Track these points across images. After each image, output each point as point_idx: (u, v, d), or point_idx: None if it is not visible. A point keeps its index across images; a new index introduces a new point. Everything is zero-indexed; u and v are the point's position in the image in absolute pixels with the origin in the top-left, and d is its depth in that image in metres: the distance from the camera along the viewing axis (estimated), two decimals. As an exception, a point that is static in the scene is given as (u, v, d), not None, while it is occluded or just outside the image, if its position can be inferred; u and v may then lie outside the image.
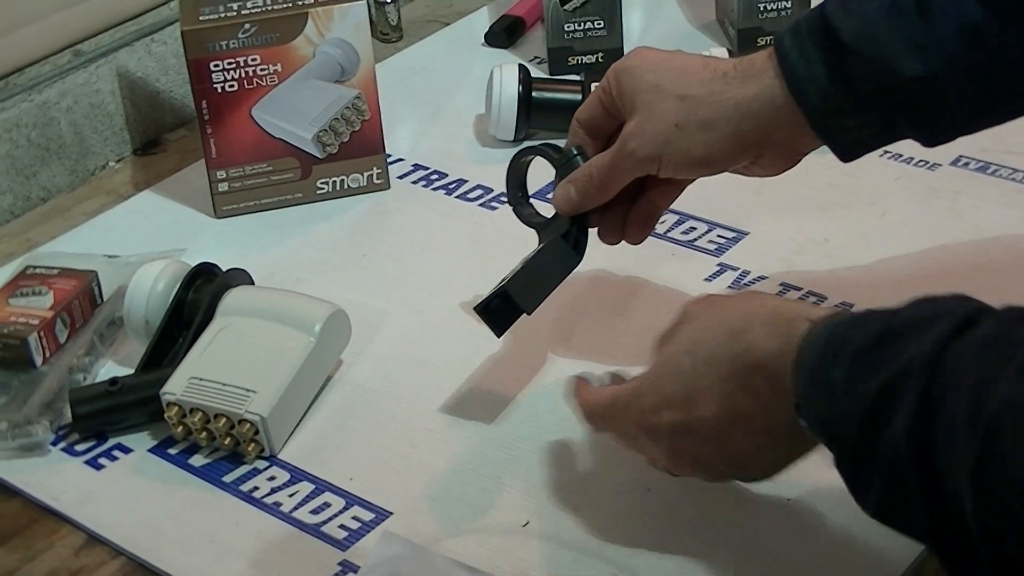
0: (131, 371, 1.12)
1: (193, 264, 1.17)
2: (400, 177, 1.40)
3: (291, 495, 1.03)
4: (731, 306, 0.93)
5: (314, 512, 1.01)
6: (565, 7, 1.51)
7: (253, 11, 1.29)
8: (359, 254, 1.29)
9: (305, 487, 1.04)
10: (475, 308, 1.03)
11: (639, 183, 1.05)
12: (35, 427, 1.09)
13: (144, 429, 1.10)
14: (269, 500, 1.03)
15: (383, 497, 1.02)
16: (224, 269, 1.17)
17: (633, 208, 1.08)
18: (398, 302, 1.22)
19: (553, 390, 1.10)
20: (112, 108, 1.47)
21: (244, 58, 1.29)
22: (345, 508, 1.01)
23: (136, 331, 1.15)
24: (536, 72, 1.49)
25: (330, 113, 1.33)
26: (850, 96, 0.96)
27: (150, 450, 1.08)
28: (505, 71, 1.41)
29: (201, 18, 1.29)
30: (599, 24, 1.52)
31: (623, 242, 1.09)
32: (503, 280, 1.04)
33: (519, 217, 1.12)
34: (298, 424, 1.09)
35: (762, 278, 1.20)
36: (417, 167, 1.41)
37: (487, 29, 1.64)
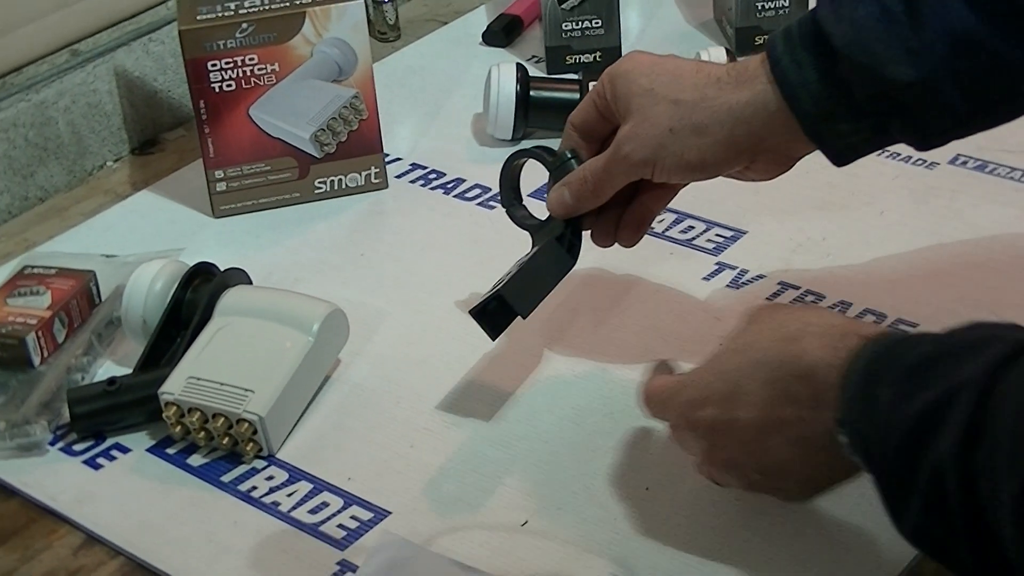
0: (129, 371, 1.12)
1: (191, 264, 1.17)
2: (398, 176, 1.40)
3: (289, 495, 1.03)
4: (789, 315, 0.93)
5: (312, 512, 1.01)
6: (563, 6, 1.51)
7: (251, 11, 1.29)
8: (357, 253, 1.29)
9: (303, 487, 1.04)
10: (470, 311, 1.03)
11: (633, 187, 1.06)
12: (33, 427, 1.08)
13: (142, 429, 1.10)
14: (267, 500, 1.03)
15: (382, 497, 1.02)
16: (222, 269, 1.17)
17: (627, 211, 1.08)
18: (396, 301, 1.22)
19: (551, 389, 1.10)
20: (110, 108, 1.47)
21: (242, 58, 1.29)
22: (343, 508, 1.01)
23: (134, 331, 1.15)
24: (534, 71, 1.49)
25: (328, 113, 1.33)
26: (842, 101, 0.96)
27: (148, 450, 1.08)
28: (503, 70, 1.41)
29: (199, 18, 1.29)
30: (597, 23, 1.52)
31: (617, 244, 1.09)
32: (497, 283, 1.04)
33: (513, 219, 1.12)
34: (296, 424, 1.09)
35: (760, 277, 1.20)
36: (415, 166, 1.41)
37: (485, 28, 1.64)
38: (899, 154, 1.32)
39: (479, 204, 1.34)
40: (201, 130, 1.32)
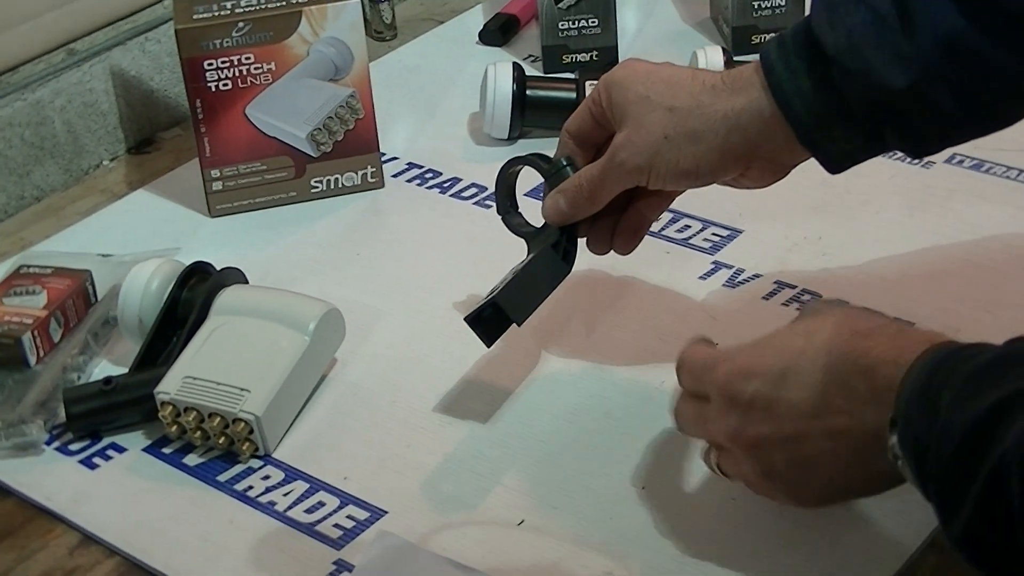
0: (125, 370, 1.12)
1: (187, 263, 1.17)
2: (394, 176, 1.40)
3: (286, 494, 1.03)
4: (860, 313, 0.92)
5: (309, 511, 1.01)
6: (559, 5, 1.51)
7: (247, 10, 1.29)
8: (353, 253, 1.29)
9: (300, 486, 1.04)
10: (465, 319, 1.03)
11: (628, 194, 1.06)
12: (29, 427, 1.08)
13: (138, 428, 1.10)
14: (264, 499, 1.03)
15: (378, 496, 1.02)
16: (218, 268, 1.17)
17: (622, 219, 1.08)
18: (392, 301, 1.22)
19: (547, 388, 1.10)
20: (106, 107, 1.47)
21: (238, 57, 1.29)
22: (340, 507, 1.01)
23: (130, 330, 1.15)
24: (530, 70, 1.49)
25: (324, 112, 1.33)
26: (836, 108, 0.96)
27: (144, 449, 1.08)
28: (499, 69, 1.41)
29: (195, 17, 1.29)
30: (593, 22, 1.52)
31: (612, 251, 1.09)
32: (492, 290, 1.04)
33: (508, 226, 1.12)
34: (292, 423, 1.09)
35: (757, 276, 1.20)
36: (411, 166, 1.41)
37: (481, 27, 1.64)
38: (895, 153, 1.31)
39: (475, 203, 1.34)
40: (197, 129, 1.32)
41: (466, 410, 1.09)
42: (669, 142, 1.00)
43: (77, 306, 1.19)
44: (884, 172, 1.31)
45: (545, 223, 1.08)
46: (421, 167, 1.41)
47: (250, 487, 1.04)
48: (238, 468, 1.06)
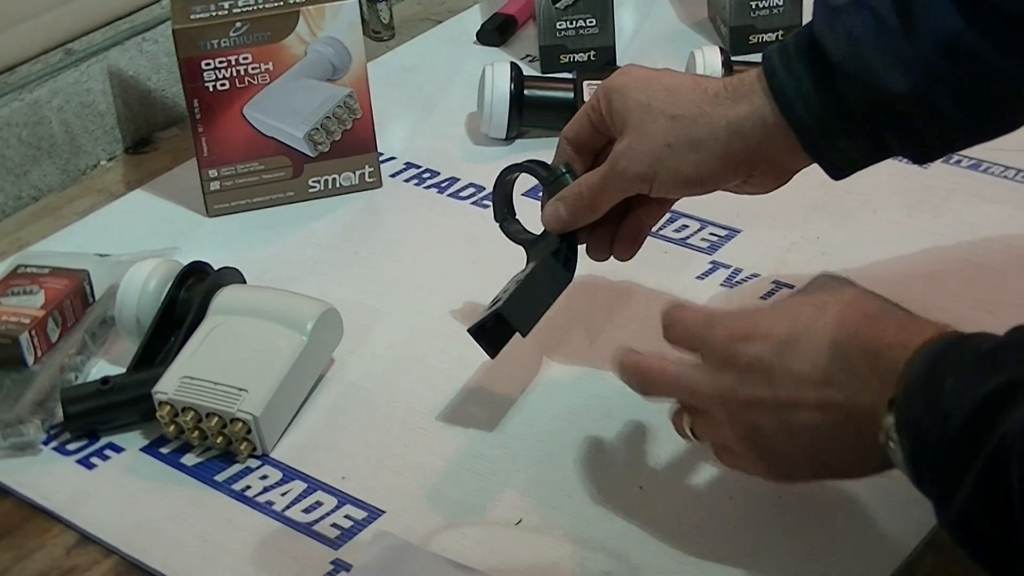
0: (123, 370, 1.12)
1: (185, 263, 1.17)
2: (392, 175, 1.40)
3: (283, 494, 1.03)
4: (871, 296, 0.91)
5: (306, 511, 1.01)
6: (557, 5, 1.51)
7: (244, 10, 1.29)
8: (351, 252, 1.29)
9: (297, 486, 1.03)
10: (468, 330, 1.03)
11: (627, 200, 1.05)
12: (27, 426, 1.08)
13: (136, 428, 1.10)
14: (261, 499, 1.03)
15: (376, 496, 1.02)
16: (216, 268, 1.17)
17: (622, 225, 1.08)
18: (390, 300, 1.22)
19: (545, 388, 1.10)
20: (103, 107, 1.47)
21: (236, 57, 1.29)
22: (337, 507, 1.01)
23: (128, 330, 1.15)
24: (528, 70, 1.49)
25: (322, 111, 1.33)
26: (839, 114, 0.96)
27: (142, 449, 1.08)
28: (497, 69, 1.41)
29: (192, 17, 1.29)
30: (591, 22, 1.52)
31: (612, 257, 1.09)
32: (494, 300, 1.04)
33: (506, 234, 1.11)
34: (290, 423, 1.09)
35: (755, 276, 1.20)
36: (409, 165, 1.41)
37: (479, 27, 1.64)
38: (894, 153, 1.32)
39: (473, 203, 1.34)
40: (195, 129, 1.32)
41: (464, 410, 1.09)
42: (671, 150, 1.00)
43: (75, 306, 1.19)
44: (882, 172, 1.30)
45: (544, 231, 1.08)
46: (419, 167, 1.41)
47: (248, 487, 1.04)
48: (236, 468, 1.06)
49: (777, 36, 1.53)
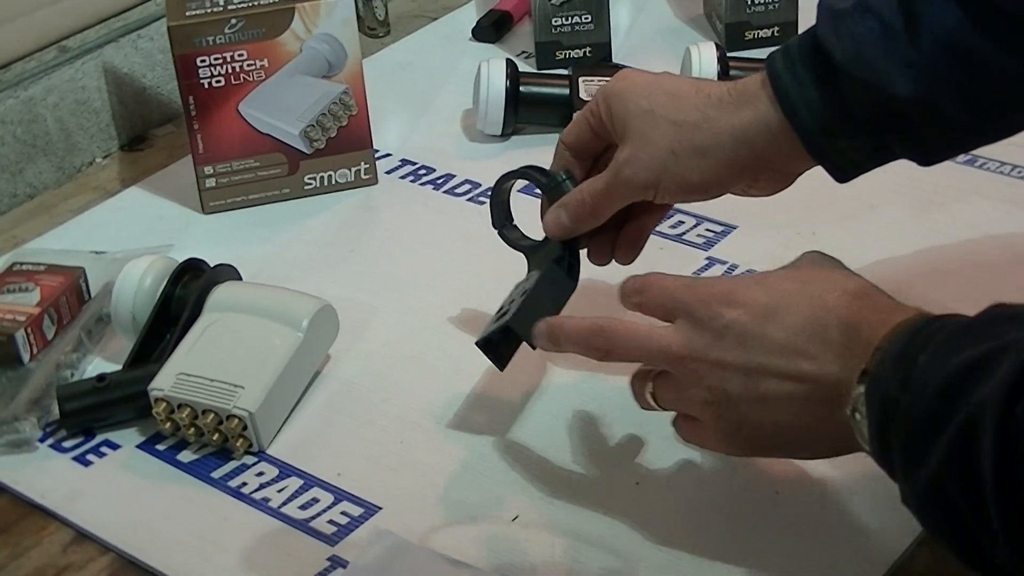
0: (119, 367, 1.12)
1: (181, 260, 1.17)
2: (388, 172, 1.40)
3: (280, 491, 1.03)
4: (856, 277, 0.91)
5: (303, 507, 1.01)
6: (552, 1, 1.51)
7: (240, 6, 1.29)
8: (347, 249, 1.29)
9: (294, 483, 1.03)
10: (476, 343, 1.03)
11: (629, 205, 1.05)
12: (23, 424, 1.08)
13: (132, 425, 1.10)
14: (258, 496, 1.03)
15: (372, 492, 1.02)
16: (212, 265, 1.17)
17: (623, 230, 1.07)
18: (386, 297, 1.22)
19: (542, 385, 1.10)
20: (98, 104, 1.47)
21: (231, 53, 1.29)
22: (334, 503, 1.01)
23: (124, 327, 1.15)
24: (523, 67, 1.48)
25: (317, 108, 1.33)
26: (843, 118, 0.96)
27: (138, 446, 1.08)
28: (492, 66, 1.41)
29: (187, 14, 1.29)
30: (586, 18, 1.52)
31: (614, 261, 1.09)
32: (500, 311, 1.03)
33: (506, 241, 1.11)
34: (286, 420, 1.09)
35: (751, 272, 1.20)
36: (405, 162, 1.41)
37: (474, 24, 1.64)
38: (889, 149, 1.32)
39: (469, 200, 1.34)
40: (190, 126, 1.32)
41: (461, 407, 1.09)
42: (676, 157, 0.99)
43: (70, 303, 1.19)
44: (879, 169, 1.30)
45: (545, 237, 1.07)
46: (415, 163, 1.41)
47: (244, 484, 1.04)
48: (232, 465, 1.05)
49: (772, 32, 1.53)
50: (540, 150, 1.38)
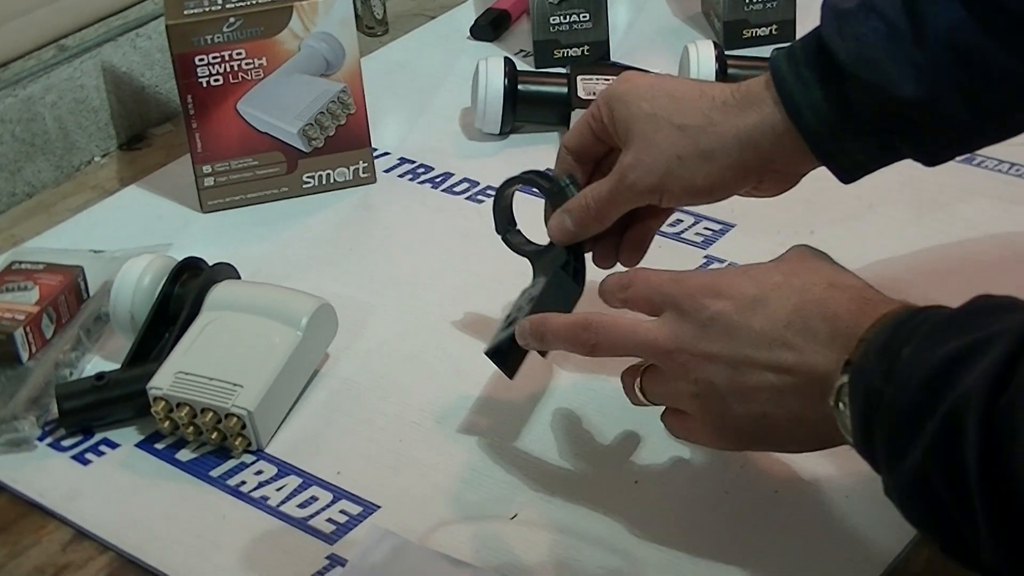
0: (117, 366, 1.12)
1: (179, 259, 1.17)
2: (386, 171, 1.40)
3: (278, 489, 1.03)
4: (843, 270, 0.92)
5: (301, 506, 1.01)
6: (550, 0, 1.51)
7: (238, 5, 1.29)
8: (346, 248, 1.29)
9: (292, 481, 1.03)
10: (486, 352, 1.02)
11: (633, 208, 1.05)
12: (21, 423, 1.08)
13: (131, 424, 1.10)
14: (256, 494, 1.03)
15: (371, 491, 1.02)
16: (210, 264, 1.17)
17: (627, 233, 1.07)
18: (385, 296, 1.22)
19: (540, 383, 1.10)
20: (97, 103, 1.47)
21: (229, 52, 1.29)
22: (333, 502, 1.01)
23: (122, 326, 1.15)
24: (522, 65, 1.48)
25: (316, 107, 1.33)
26: (849, 119, 0.96)
27: (137, 445, 1.08)
28: (491, 64, 1.41)
29: (186, 12, 1.29)
30: (584, 17, 1.52)
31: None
32: (507, 318, 1.03)
33: (509, 246, 1.10)
34: (285, 418, 1.09)
35: (749, 270, 1.20)
36: (403, 161, 1.41)
37: (472, 22, 1.64)
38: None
39: (467, 198, 1.34)
40: (189, 125, 1.32)
41: (459, 405, 1.09)
42: (682, 161, 0.99)
43: (69, 302, 1.19)
44: (876, 166, 1.31)
45: (549, 242, 1.07)
46: (413, 162, 1.41)
47: (243, 482, 1.04)
48: (231, 463, 1.06)
49: (770, 30, 1.53)
50: (538, 148, 1.39)
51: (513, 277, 1.09)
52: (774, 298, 0.89)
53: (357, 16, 1.56)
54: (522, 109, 1.41)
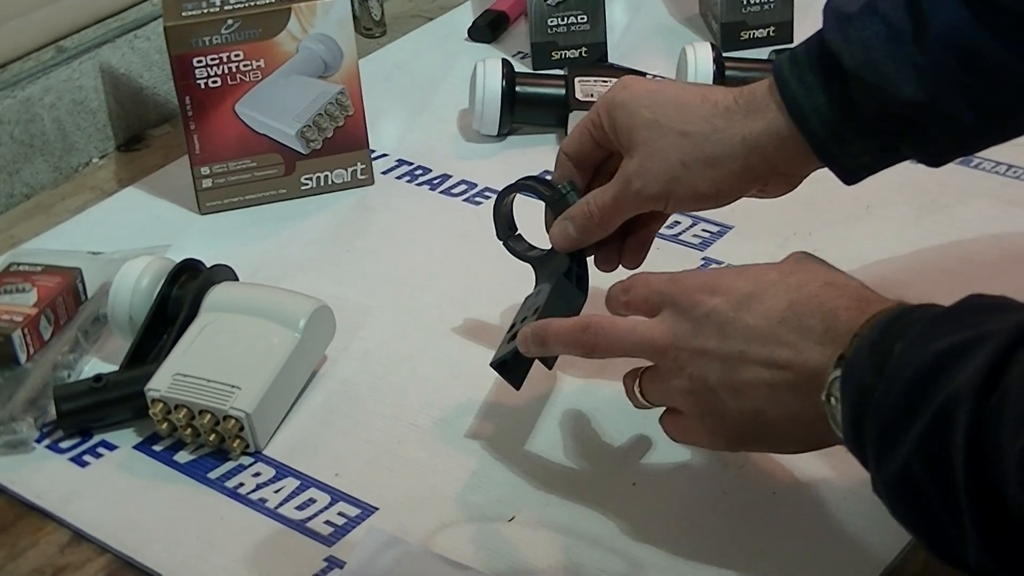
0: (116, 368, 1.12)
1: (177, 260, 1.17)
2: (384, 172, 1.40)
3: (276, 491, 1.03)
4: (840, 272, 0.92)
5: (299, 508, 1.01)
6: (548, 1, 1.51)
7: (236, 7, 1.29)
8: (343, 250, 1.29)
9: (290, 483, 1.03)
10: (491, 364, 1.02)
11: None
12: (19, 424, 1.08)
13: (129, 426, 1.10)
14: (254, 496, 1.03)
15: (369, 493, 1.02)
16: (208, 265, 1.17)
17: (629, 237, 1.07)
18: (383, 297, 1.22)
19: (538, 385, 1.10)
20: (95, 104, 1.47)
21: (227, 54, 1.29)
22: (330, 504, 1.01)
23: (120, 328, 1.15)
24: (519, 67, 1.48)
25: (314, 109, 1.33)
26: (852, 122, 0.96)
27: (135, 447, 1.08)
28: (488, 66, 1.41)
29: (184, 14, 1.29)
30: (582, 19, 1.52)
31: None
32: (512, 328, 1.03)
33: (511, 252, 1.10)
34: (283, 420, 1.09)
35: (747, 272, 1.20)
36: (401, 162, 1.41)
37: (470, 24, 1.64)
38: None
39: (465, 200, 1.34)
40: (187, 126, 1.32)
41: (456, 406, 1.09)
42: (687, 168, 0.99)
43: (67, 304, 1.19)
44: (874, 168, 1.31)
45: (551, 247, 1.07)
46: (411, 164, 1.41)
47: (241, 484, 1.04)
48: (229, 465, 1.06)
49: (768, 32, 1.53)
50: (536, 150, 1.39)
51: (511, 278, 1.09)
52: (769, 295, 0.89)
53: (355, 18, 1.56)
54: (520, 111, 1.41)
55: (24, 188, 1.42)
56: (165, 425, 1.06)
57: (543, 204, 1.08)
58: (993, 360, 0.73)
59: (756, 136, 0.98)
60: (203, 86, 1.30)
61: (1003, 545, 0.73)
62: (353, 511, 1.00)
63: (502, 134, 1.42)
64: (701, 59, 1.40)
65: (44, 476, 1.06)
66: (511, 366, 1.02)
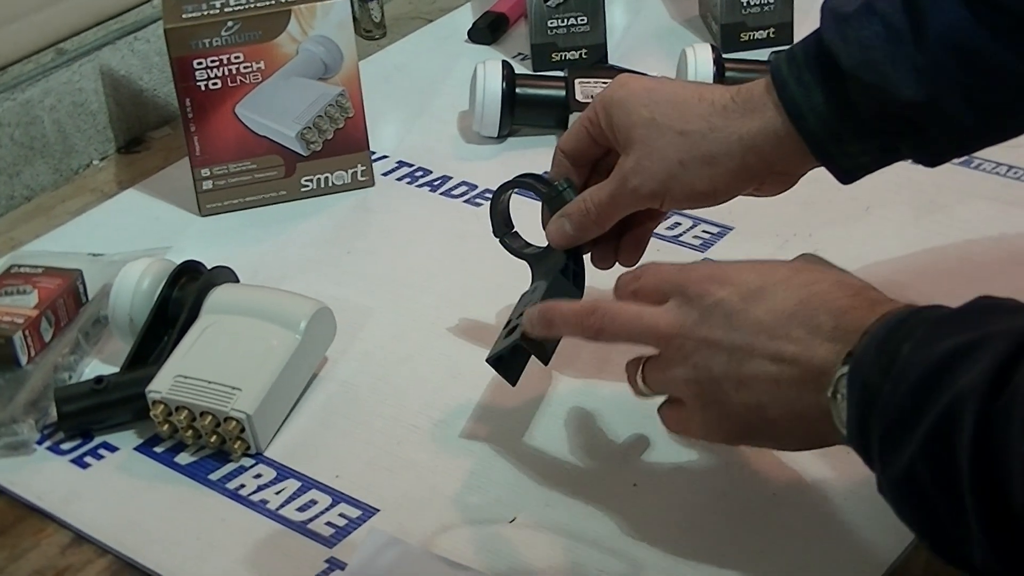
0: (116, 369, 1.12)
1: (178, 262, 1.17)
2: (384, 174, 1.40)
3: (277, 492, 1.03)
4: (849, 274, 0.92)
5: (300, 509, 1.01)
6: (548, 3, 1.51)
7: (236, 9, 1.29)
8: (343, 251, 1.29)
9: (291, 484, 1.04)
10: (487, 360, 1.02)
11: None
12: (20, 426, 1.08)
13: (130, 427, 1.10)
14: (255, 498, 1.03)
15: (369, 494, 1.02)
16: (209, 267, 1.17)
17: (626, 235, 1.07)
18: (383, 299, 1.22)
19: (539, 386, 1.10)
20: (95, 106, 1.47)
21: (227, 56, 1.29)
22: (331, 505, 1.01)
23: (121, 329, 1.15)
24: (520, 68, 1.49)
25: (314, 110, 1.33)
26: (850, 122, 0.96)
27: (136, 448, 1.08)
28: (488, 68, 1.41)
29: (184, 16, 1.29)
30: (582, 20, 1.52)
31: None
32: (508, 324, 1.03)
33: (508, 249, 1.10)
34: (284, 421, 1.09)
35: (747, 273, 1.20)
36: (401, 164, 1.41)
37: (470, 26, 1.64)
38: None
39: (465, 201, 1.34)
40: (187, 128, 1.32)
41: (457, 407, 1.09)
42: (684, 167, 0.99)
43: (68, 305, 1.19)
44: (874, 169, 1.31)
45: (547, 245, 1.07)
46: (411, 165, 1.41)
47: (242, 485, 1.04)
48: (230, 467, 1.06)
49: (768, 33, 1.53)
50: (536, 151, 1.39)
51: (510, 279, 1.09)
52: (779, 290, 0.89)
53: (355, 19, 1.56)
54: (520, 112, 1.41)
55: (24, 190, 1.42)
56: (166, 427, 1.06)
57: (540, 201, 1.08)
58: (1001, 362, 0.73)
59: (753, 135, 0.98)
60: (203, 88, 1.30)
61: (1008, 545, 0.73)
62: (354, 512, 1.01)
63: (502, 136, 1.42)
64: (701, 60, 1.40)
65: (45, 477, 1.06)
66: (507, 362, 1.02)
